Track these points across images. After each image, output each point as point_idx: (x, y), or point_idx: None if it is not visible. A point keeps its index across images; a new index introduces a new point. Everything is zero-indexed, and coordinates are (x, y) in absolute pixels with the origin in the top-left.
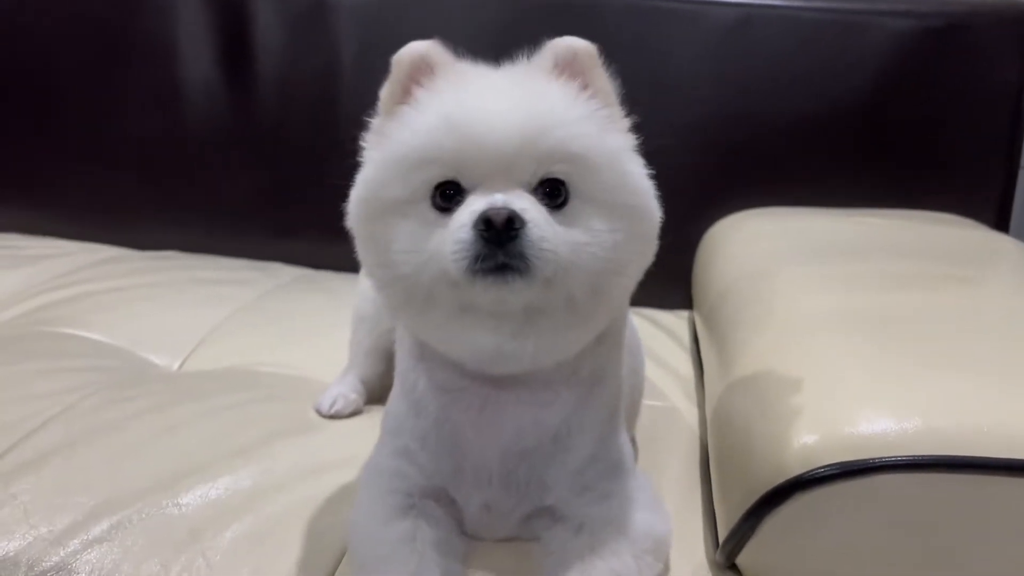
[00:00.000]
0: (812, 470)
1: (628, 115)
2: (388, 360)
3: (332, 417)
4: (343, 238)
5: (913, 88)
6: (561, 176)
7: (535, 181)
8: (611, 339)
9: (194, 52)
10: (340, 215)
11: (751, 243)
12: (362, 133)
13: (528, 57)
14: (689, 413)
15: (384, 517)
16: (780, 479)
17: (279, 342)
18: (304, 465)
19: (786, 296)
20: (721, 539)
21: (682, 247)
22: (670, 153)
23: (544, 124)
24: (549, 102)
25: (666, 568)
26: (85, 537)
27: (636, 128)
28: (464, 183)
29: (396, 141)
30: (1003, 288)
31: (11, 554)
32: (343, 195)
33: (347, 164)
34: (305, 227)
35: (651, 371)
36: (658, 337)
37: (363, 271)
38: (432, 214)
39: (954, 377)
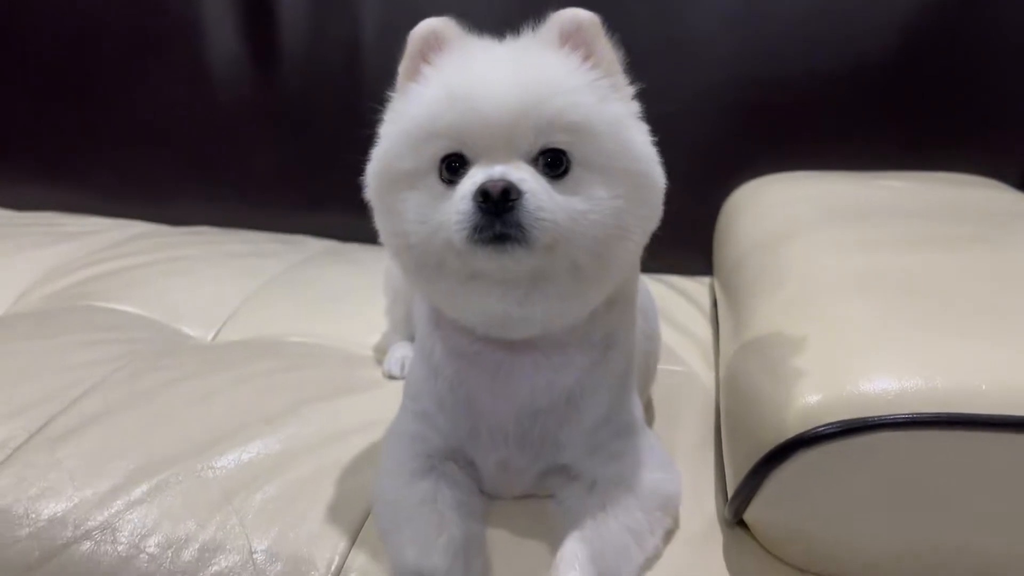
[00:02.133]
0: (814, 428)
1: (636, 81)
2: None
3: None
4: (368, 211)
5: (937, 47)
6: (562, 146)
7: (535, 151)
8: (622, 303)
9: (220, 29)
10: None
11: (771, 208)
12: (383, 107)
13: (534, 29)
14: (707, 377)
15: (406, 479)
16: (783, 437)
17: (306, 313)
18: (330, 430)
19: (801, 260)
20: (729, 496)
21: (704, 213)
22: (691, 118)
23: (542, 94)
24: (547, 72)
25: (676, 523)
26: (127, 499)
27: (654, 93)
28: (468, 155)
29: (405, 115)
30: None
31: (59, 514)
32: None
33: (370, 137)
34: (332, 200)
35: (671, 337)
36: (679, 303)
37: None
38: (439, 186)
39: (958, 337)
